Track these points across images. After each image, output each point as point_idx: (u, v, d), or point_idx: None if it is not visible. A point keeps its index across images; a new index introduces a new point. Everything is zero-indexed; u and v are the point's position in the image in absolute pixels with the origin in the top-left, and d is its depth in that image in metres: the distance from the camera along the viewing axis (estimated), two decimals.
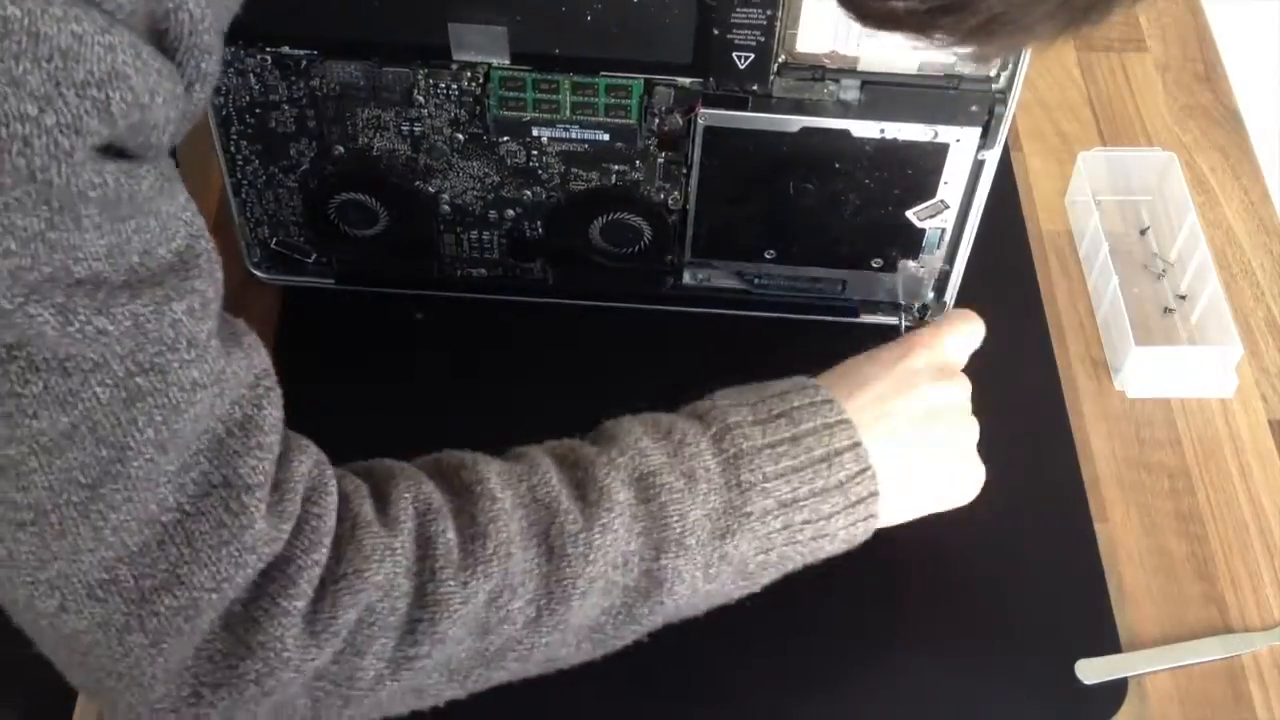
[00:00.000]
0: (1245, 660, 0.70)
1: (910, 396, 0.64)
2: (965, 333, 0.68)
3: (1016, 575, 0.72)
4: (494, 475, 0.56)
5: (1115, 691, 0.68)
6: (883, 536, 0.72)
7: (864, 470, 0.61)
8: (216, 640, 0.50)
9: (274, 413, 0.50)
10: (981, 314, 0.80)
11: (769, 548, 0.60)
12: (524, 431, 0.62)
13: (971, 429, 0.67)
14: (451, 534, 0.54)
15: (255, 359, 0.50)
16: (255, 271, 0.81)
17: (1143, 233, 0.88)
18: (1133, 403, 0.80)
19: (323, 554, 0.51)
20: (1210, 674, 0.70)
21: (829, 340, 0.80)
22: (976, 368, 0.79)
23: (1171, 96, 0.96)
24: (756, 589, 0.62)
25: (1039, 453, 0.77)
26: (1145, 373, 0.79)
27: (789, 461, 0.60)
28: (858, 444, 0.61)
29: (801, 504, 0.60)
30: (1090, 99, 0.96)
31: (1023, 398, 0.79)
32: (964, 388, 0.67)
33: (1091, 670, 0.69)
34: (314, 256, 0.80)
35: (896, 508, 0.64)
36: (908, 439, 0.63)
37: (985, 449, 0.75)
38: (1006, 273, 0.85)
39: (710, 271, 0.79)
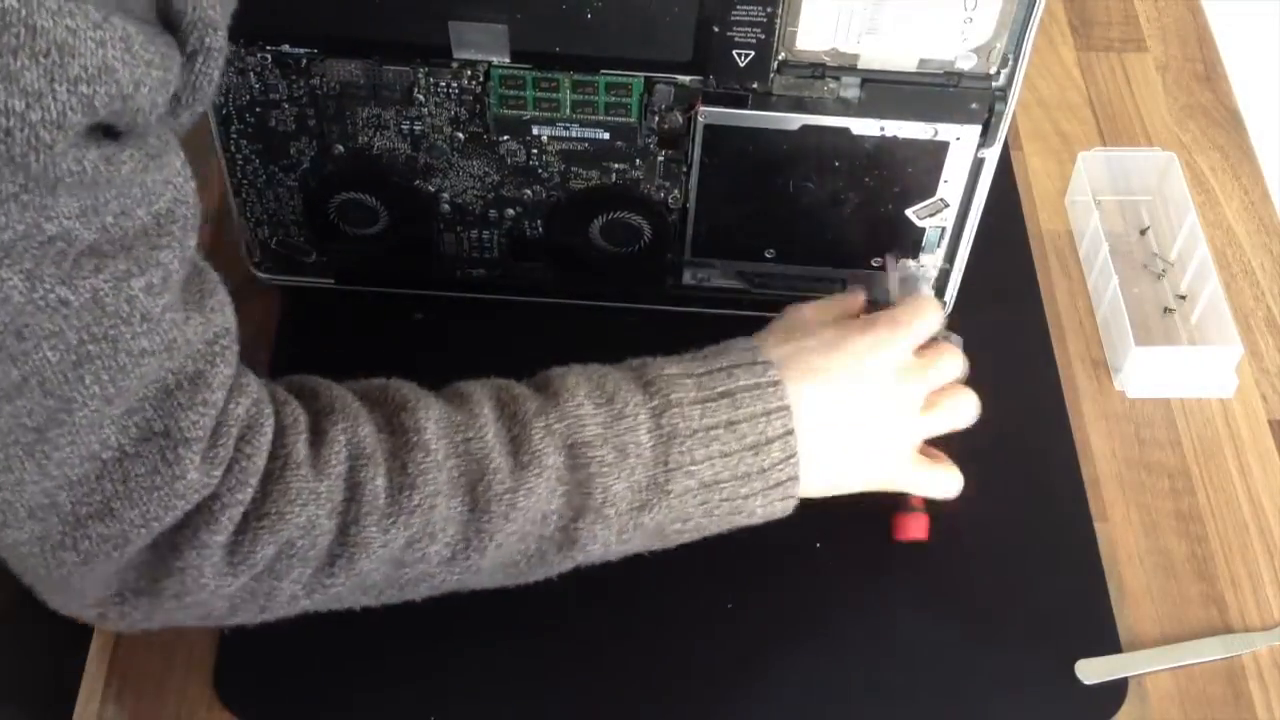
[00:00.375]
0: (1245, 660, 0.70)
1: (864, 394, 0.64)
2: (931, 322, 0.68)
3: (1016, 575, 0.72)
4: (431, 424, 0.58)
5: (1115, 691, 0.68)
6: (882, 536, 0.72)
7: (790, 458, 0.62)
8: (141, 558, 0.52)
9: (224, 370, 0.52)
10: (982, 314, 0.80)
11: (685, 519, 0.62)
12: None
13: (916, 428, 0.67)
14: (380, 480, 0.56)
15: (216, 320, 0.51)
16: (256, 271, 0.81)
17: (1143, 233, 0.88)
18: (1133, 403, 0.80)
19: (248, 493, 0.53)
20: (1210, 674, 0.70)
21: None
22: (977, 367, 0.79)
23: (1171, 96, 0.96)
24: (670, 546, 0.64)
25: (1039, 453, 0.77)
26: (1145, 373, 0.79)
27: (719, 445, 0.61)
28: (789, 433, 0.62)
29: (722, 485, 0.61)
30: (1090, 99, 0.96)
31: (1023, 398, 0.79)
32: (919, 387, 0.66)
33: (1091, 670, 0.69)
34: (314, 256, 0.80)
35: (817, 486, 0.65)
36: (846, 437, 0.64)
37: (985, 450, 0.75)
38: (1006, 273, 0.85)
39: (710, 271, 0.79)
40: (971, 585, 0.71)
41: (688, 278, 0.80)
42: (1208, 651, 0.70)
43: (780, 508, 0.63)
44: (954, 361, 0.68)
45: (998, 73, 0.67)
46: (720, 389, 0.62)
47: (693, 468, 0.60)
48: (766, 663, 0.68)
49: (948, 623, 0.70)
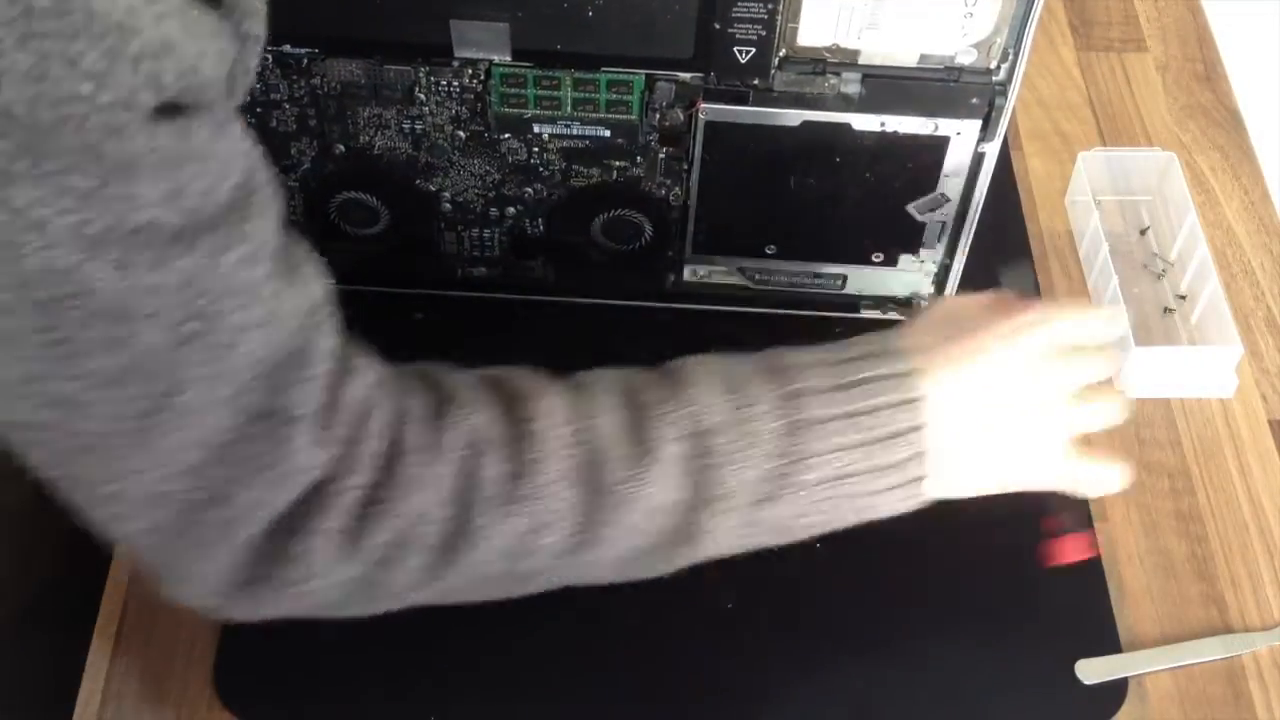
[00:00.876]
0: (1245, 660, 0.70)
1: (1006, 380, 0.60)
2: (1088, 325, 0.63)
3: (1016, 575, 0.72)
4: (551, 412, 0.57)
5: (1115, 691, 0.68)
6: (882, 536, 0.72)
7: (918, 454, 0.59)
8: (257, 545, 0.52)
9: (326, 342, 0.52)
10: None
11: (808, 513, 0.59)
12: None
13: (1062, 420, 0.62)
14: (498, 467, 0.55)
15: (312, 288, 0.52)
16: None
17: (1143, 233, 0.88)
18: (1133, 403, 0.80)
19: (364, 478, 0.52)
20: (1210, 674, 0.70)
21: (830, 335, 0.80)
22: None
23: (1171, 96, 0.96)
24: (794, 541, 0.61)
25: None
26: (1145, 373, 0.79)
27: (847, 437, 0.58)
28: (918, 428, 0.58)
29: (848, 479, 0.59)
30: (1090, 99, 0.96)
31: None
32: (1065, 377, 0.61)
33: (1091, 670, 0.69)
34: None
35: (954, 485, 0.62)
36: (986, 431, 0.60)
37: None
38: (1006, 273, 0.85)
39: (711, 268, 0.79)
40: (972, 585, 0.71)
41: (688, 275, 0.80)
42: (1208, 651, 0.70)
43: (908, 505, 0.61)
44: (1103, 360, 0.63)
45: (998, 67, 0.67)
46: (851, 378, 0.59)
47: (818, 460, 0.58)
48: (767, 663, 0.68)
49: (948, 623, 0.70)
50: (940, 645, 0.69)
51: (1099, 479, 0.64)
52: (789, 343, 0.79)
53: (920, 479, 0.59)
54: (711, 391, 0.58)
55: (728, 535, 0.59)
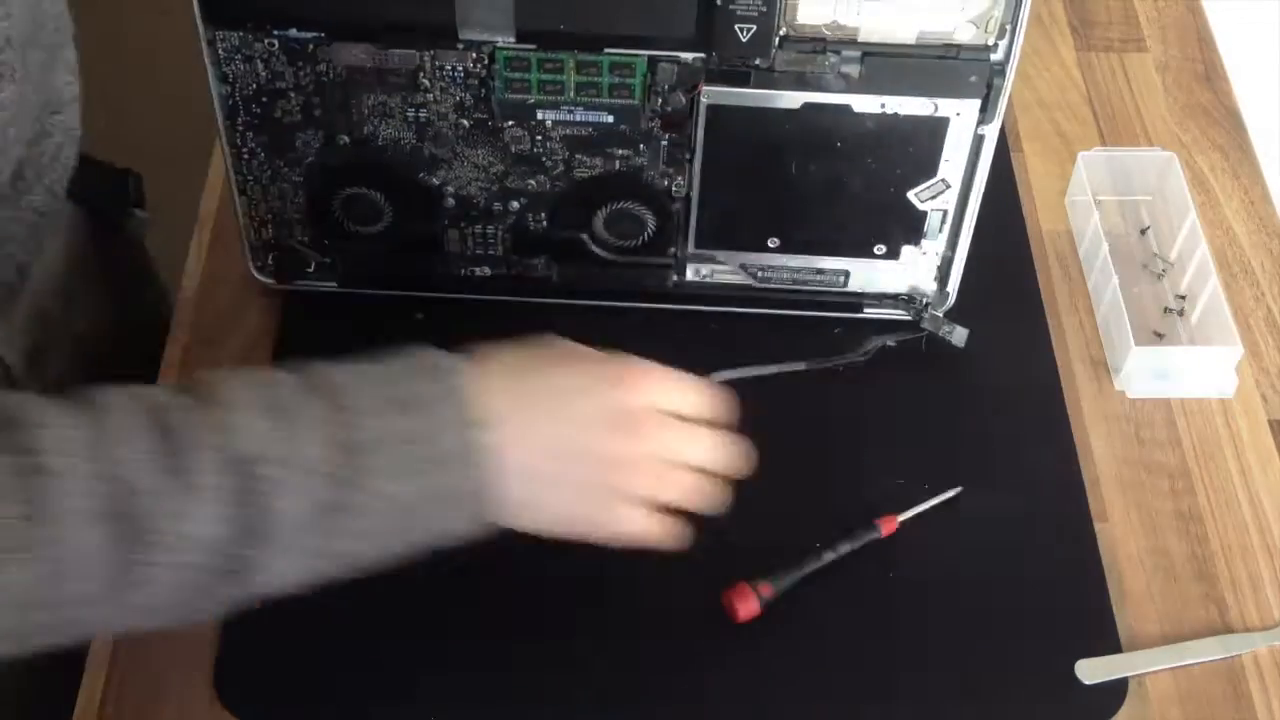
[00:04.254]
0: (1245, 660, 0.70)
1: (570, 434, 0.58)
2: (667, 390, 0.60)
3: (1016, 575, 0.72)
4: (62, 440, 0.50)
5: (1115, 691, 0.68)
6: (882, 536, 0.72)
7: (475, 469, 0.55)
8: None
9: None
10: (982, 313, 0.80)
11: (366, 537, 0.54)
12: None
13: (633, 485, 0.58)
14: (2, 510, 0.48)
15: None
16: (258, 275, 0.81)
17: (1143, 233, 0.88)
18: (1133, 403, 0.80)
19: None
20: (1210, 674, 0.70)
21: (833, 336, 0.80)
22: (977, 367, 0.79)
23: (1171, 96, 0.96)
24: (354, 571, 0.56)
25: (1039, 453, 0.77)
26: (1145, 373, 0.79)
27: (408, 454, 0.54)
28: (475, 445, 0.55)
29: (413, 506, 0.54)
30: (1090, 99, 0.96)
31: (1023, 398, 0.79)
32: (651, 444, 0.58)
33: (1091, 670, 0.69)
34: (314, 265, 0.80)
35: (513, 517, 0.58)
36: (546, 459, 0.57)
37: (985, 450, 0.76)
38: (1006, 272, 0.85)
39: (714, 266, 0.79)
40: (972, 585, 0.71)
41: (691, 274, 0.80)
42: (1208, 651, 0.70)
43: (481, 530, 0.57)
44: (706, 440, 0.60)
45: (995, 44, 0.67)
46: (404, 395, 0.55)
47: (376, 484, 0.53)
48: (767, 663, 0.68)
49: (948, 623, 0.70)
50: (940, 645, 0.69)
51: (661, 540, 0.60)
52: (793, 343, 0.79)
53: (477, 493, 0.55)
54: (253, 409, 0.52)
55: (282, 569, 0.53)
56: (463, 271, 0.80)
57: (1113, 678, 0.69)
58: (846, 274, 0.79)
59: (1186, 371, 0.80)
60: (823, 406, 0.77)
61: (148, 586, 0.51)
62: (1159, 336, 0.82)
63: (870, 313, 0.81)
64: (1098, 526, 0.74)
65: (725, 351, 0.77)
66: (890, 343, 0.79)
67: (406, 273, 0.80)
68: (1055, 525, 0.74)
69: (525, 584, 0.70)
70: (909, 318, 0.80)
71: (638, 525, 0.59)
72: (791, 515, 0.72)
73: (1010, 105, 0.94)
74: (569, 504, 0.59)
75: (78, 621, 0.52)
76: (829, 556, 0.71)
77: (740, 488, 0.73)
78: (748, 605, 0.69)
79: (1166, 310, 0.84)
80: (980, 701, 0.68)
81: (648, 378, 0.60)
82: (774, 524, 0.70)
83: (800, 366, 0.79)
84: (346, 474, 0.53)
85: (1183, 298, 0.84)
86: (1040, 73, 0.97)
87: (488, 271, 0.80)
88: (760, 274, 0.79)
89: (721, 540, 0.66)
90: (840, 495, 0.74)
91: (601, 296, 0.80)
